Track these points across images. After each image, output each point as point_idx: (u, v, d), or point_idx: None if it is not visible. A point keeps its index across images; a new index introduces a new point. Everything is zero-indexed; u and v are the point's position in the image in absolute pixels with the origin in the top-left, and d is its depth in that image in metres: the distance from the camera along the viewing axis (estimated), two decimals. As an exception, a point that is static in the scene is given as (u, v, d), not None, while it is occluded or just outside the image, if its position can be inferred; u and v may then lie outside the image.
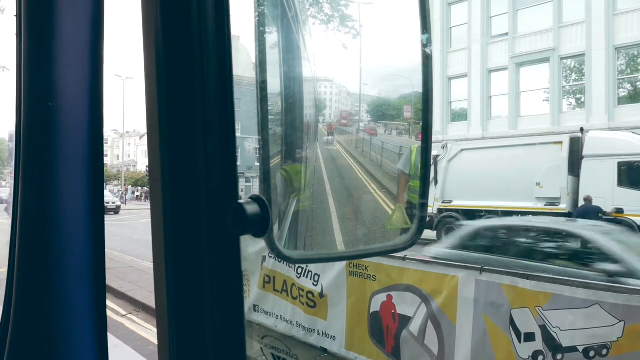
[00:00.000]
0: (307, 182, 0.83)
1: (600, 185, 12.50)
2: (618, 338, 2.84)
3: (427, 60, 0.59)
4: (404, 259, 4.26)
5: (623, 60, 21.26)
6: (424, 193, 0.54)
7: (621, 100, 20.94)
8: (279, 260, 4.75)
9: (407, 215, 0.60)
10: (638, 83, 20.64)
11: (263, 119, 0.61)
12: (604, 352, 2.92)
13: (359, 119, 1.23)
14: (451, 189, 15.34)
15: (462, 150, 15.55)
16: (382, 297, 4.40)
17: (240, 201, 0.53)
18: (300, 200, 0.72)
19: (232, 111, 0.58)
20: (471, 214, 14.93)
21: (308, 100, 0.97)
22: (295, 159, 0.80)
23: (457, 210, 15.21)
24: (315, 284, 5.18)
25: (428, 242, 16.08)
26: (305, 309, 5.26)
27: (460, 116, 25.98)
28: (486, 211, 14.53)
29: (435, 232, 15.88)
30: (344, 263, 4.81)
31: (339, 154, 0.95)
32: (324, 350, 5.03)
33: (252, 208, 0.53)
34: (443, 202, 15.52)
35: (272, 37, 0.99)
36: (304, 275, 5.34)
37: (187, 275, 0.57)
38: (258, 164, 0.65)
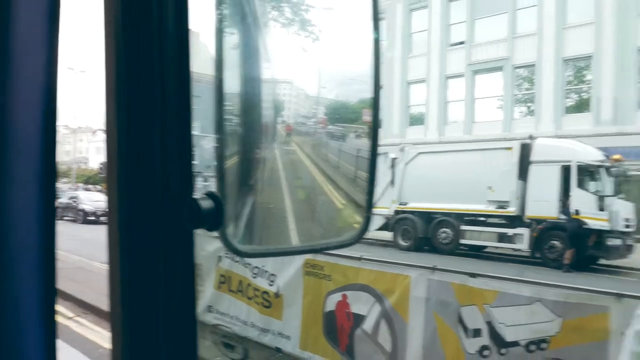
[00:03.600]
0: (264, 180, 0.85)
1: (545, 189, 13.14)
2: (556, 332, 3.02)
3: (376, 66, 0.63)
4: (359, 259, 4.35)
5: (571, 72, 22.40)
6: (371, 193, 0.58)
7: (568, 110, 22.05)
8: (231, 253, 4.73)
9: (356, 213, 0.64)
10: (583, 94, 21.77)
11: (220, 117, 0.63)
12: (544, 345, 3.09)
13: (318, 121, 1.26)
14: (408, 191, 15.68)
15: (419, 153, 15.93)
16: (337, 297, 4.47)
17: (195, 196, 0.55)
18: (255, 197, 0.74)
19: (190, 108, 0.59)
20: (426, 216, 15.34)
21: (267, 101, 1.00)
22: (252, 158, 0.82)
23: (412, 212, 15.57)
24: (271, 284, 5.19)
25: (385, 243, 16.41)
26: (260, 309, 5.25)
27: (418, 120, 26.60)
28: (441, 213, 14.96)
29: (392, 233, 16.20)
30: (300, 263, 4.84)
31: (296, 154, 0.98)
32: (278, 350, 5.04)
33: (206, 203, 0.55)
34: (400, 204, 15.85)
35: (232, 37, 1.01)
36: (260, 276, 5.33)
37: (141, 268, 0.58)
38: (215, 162, 0.67)
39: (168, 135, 0.59)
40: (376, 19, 0.65)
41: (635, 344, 0.78)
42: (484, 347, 3.45)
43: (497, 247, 14.60)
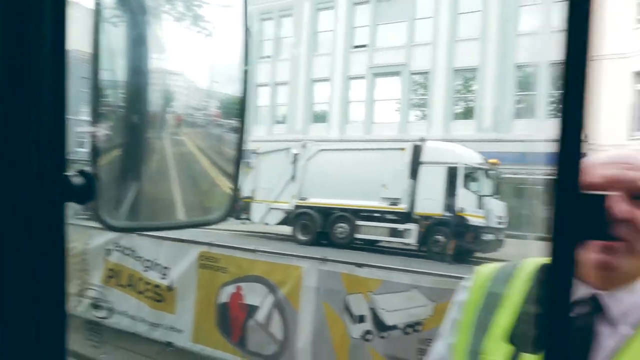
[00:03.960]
0: (145, 162, 0.89)
1: (433, 188, 14.26)
2: (429, 316, 3.36)
3: (246, 57, 0.70)
4: (255, 251, 4.42)
5: (460, 81, 24.41)
6: (236, 176, 0.67)
7: (456, 116, 24.01)
8: (104, 228, 4.55)
9: (223, 194, 0.72)
10: (470, 102, 23.84)
11: (96, 100, 0.66)
12: (418, 328, 3.42)
13: (210, 114, 1.31)
14: (308, 186, 16.03)
15: (320, 150, 16.36)
16: (231, 289, 4.50)
17: (67, 173, 0.59)
18: (135, 178, 0.79)
19: (64, 87, 0.62)
20: (325, 211, 15.82)
21: (155, 90, 1.03)
22: (135, 143, 0.86)
23: (312, 207, 15.96)
24: (164, 277, 5.06)
25: (285, 238, 16.58)
26: (152, 303, 5.10)
27: (321, 118, 27.22)
28: (338, 209, 15.52)
29: (291, 227, 16.48)
30: (195, 256, 4.79)
31: (183, 143, 1.02)
32: (169, 344, 4.94)
33: (78, 179, 0.59)
34: (300, 199, 16.15)
35: (117, 23, 1.03)
36: (152, 269, 5.17)
37: (8, 245, 0.59)
38: (90, 142, 0.70)
39: (42, 115, 0.61)
40: (245, 13, 0.72)
41: (457, 312, 0.95)
42: (367, 332, 3.71)
43: (389, 242, 15.51)
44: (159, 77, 1.13)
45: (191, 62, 1.23)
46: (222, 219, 0.67)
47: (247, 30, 0.72)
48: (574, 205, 0.30)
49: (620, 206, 0.88)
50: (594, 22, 0.30)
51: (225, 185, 0.77)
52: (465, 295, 1.10)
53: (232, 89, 0.79)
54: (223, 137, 0.86)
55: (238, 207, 18.27)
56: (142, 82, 0.96)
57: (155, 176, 0.79)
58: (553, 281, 0.33)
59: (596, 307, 0.91)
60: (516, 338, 0.89)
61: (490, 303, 1.03)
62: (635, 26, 19.95)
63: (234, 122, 0.73)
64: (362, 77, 25.82)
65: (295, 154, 16.44)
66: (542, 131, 21.15)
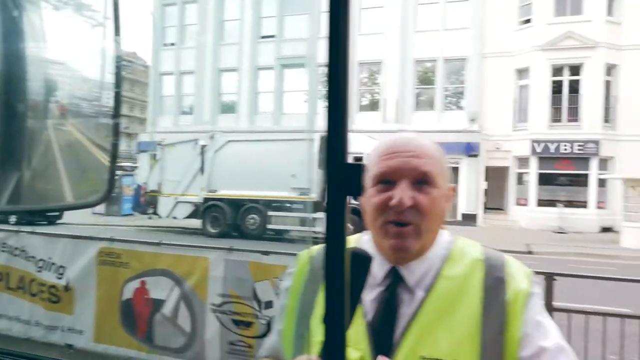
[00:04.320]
0: (27, 149, 0.91)
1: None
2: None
3: (117, 49, 0.76)
4: (158, 244, 4.34)
5: (366, 74, 25.31)
6: (114, 161, 0.73)
7: (363, 108, 24.91)
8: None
9: (102, 179, 0.78)
10: (376, 95, 24.84)
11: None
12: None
13: (100, 104, 1.33)
14: (217, 178, 15.78)
15: (229, 141, 16.14)
16: (135, 284, 4.37)
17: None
18: (17, 164, 0.81)
19: None
20: (235, 203, 15.69)
21: (36, 80, 1.04)
22: (16, 132, 0.88)
23: (222, 199, 15.75)
24: (60, 277, 4.77)
25: (194, 231, 16.19)
26: (47, 305, 4.80)
27: (229, 108, 26.77)
28: (249, 200, 15.49)
29: (201, 220, 16.13)
30: (93, 253, 4.58)
31: (65, 131, 1.04)
32: (70, 346, 4.69)
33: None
34: (209, 191, 15.86)
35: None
36: (46, 269, 4.85)
37: None
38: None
39: None
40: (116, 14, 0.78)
41: (283, 299, 1.01)
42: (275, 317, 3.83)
43: (300, 231, 15.79)
44: (40, 66, 1.13)
45: (75, 52, 1.23)
46: (101, 200, 0.73)
47: (117, 20, 0.77)
48: (340, 177, 0.42)
49: (406, 194, 0.96)
50: (350, 31, 0.42)
51: (104, 169, 0.82)
52: (289, 281, 1.13)
53: (111, 78, 0.84)
54: (103, 125, 0.90)
55: (143, 202, 17.50)
56: (20, 70, 0.97)
57: (36, 163, 0.82)
58: (327, 255, 0.45)
59: (397, 278, 1.02)
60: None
61: (311, 286, 1.06)
62: (517, 27, 22.02)
63: (111, 111, 0.79)
64: (270, 68, 25.77)
65: (203, 146, 16.08)
66: (440, 122, 22.73)
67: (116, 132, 0.72)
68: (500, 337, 0.94)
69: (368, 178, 1.03)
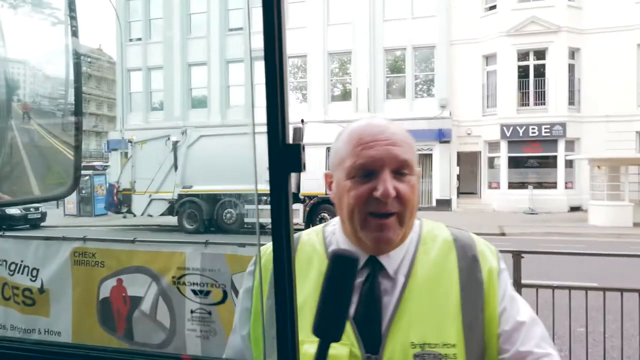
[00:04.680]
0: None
1: (316, 168, 14.82)
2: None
3: (75, 42, 0.79)
4: (133, 241, 4.32)
5: (337, 65, 25.34)
6: (78, 155, 0.77)
7: (335, 98, 24.97)
8: None
9: (67, 172, 0.81)
10: (347, 85, 24.92)
11: None
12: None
13: (66, 102, 1.34)
14: (191, 174, 15.64)
15: (201, 136, 15.99)
16: (111, 282, 4.35)
17: None
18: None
19: None
20: (211, 198, 15.60)
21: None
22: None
23: (197, 195, 15.63)
24: (34, 279, 4.70)
25: (172, 228, 16.02)
26: (22, 308, 4.72)
27: (201, 103, 26.45)
28: (224, 195, 15.41)
29: (177, 217, 15.98)
30: (67, 254, 4.53)
31: (30, 129, 1.06)
32: (47, 348, 4.64)
33: None
34: (183, 187, 15.71)
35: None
36: (18, 272, 4.77)
37: None
38: None
39: None
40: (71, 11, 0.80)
41: (246, 301, 0.94)
42: (254, 307, 3.88)
43: (277, 223, 15.81)
44: (1, 66, 1.14)
45: (37, 50, 1.24)
46: (68, 192, 0.77)
47: (73, 18, 0.79)
48: (282, 156, 0.47)
49: (389, 184, 0.94)
50: (282, 24, 0.47)
51: (69, 163, 0.85)
52: (250, 282, 1.09)
53: (70, 74, 0.86)
54: (67, 121, 0.93)
55: (117, 201, 17.21)
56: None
57: (1, 161, 0.85)
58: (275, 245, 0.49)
59: (376, 267, 1.00)
60: (321, 329, 0.73)
61: None
62: (483, 14, 22.38)
63: (74, 107, 0.82)
64: (240, 61, 25.52)
65: (175, 142, 15.88)
66: (412, 110, 22.99)
67: (78, 126, 0.75)
68: (480, 314, 0.95)
69: (341, 169, 0.99)
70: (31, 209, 17.19)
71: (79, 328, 4.54)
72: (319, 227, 1.13)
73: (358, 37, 23.76)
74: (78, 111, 0.76)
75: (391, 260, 1.00)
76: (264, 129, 0.54)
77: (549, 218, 18.14)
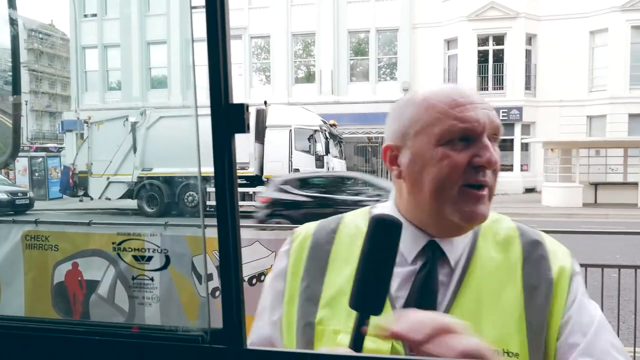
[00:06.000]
0: None
1: (280, 150, 14.76)
2: (271, 265, 3.64)
3: (13, 25, 0.75)
4: (89, 224, 4.19)
5: (300, 46, 25.08)
6: (17, 124, 0.74)
7: (299, 80, 24.78)
8: None
9: (5, 141, 0.78)
10: (311, 67, 24.74)
11: None
12: (262, 278, 3.69)
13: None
14: (151, 156, 15.26)
15: (161, 117, 15.58)
16: (67, 266, 4.22)
17: None
18: None
19: None
20: (172, 181, 15.28)
21: None
22: None
23: (157, 178, 15.28)
24: (-17, 264, 4.51)
25: (132, 212, 15.64)
26: (-30, 294, 4.53)
27: (160, 83, 25.70)
28: (186, 177, 15.13)
29: (137, 200, 15.60)
30: (18, 237, 4.35)
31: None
32: (-1, 335, 4.48)
33: None
34: (143, 170, 15.32)
35: None
36: (-34, 257, 4.56)
37: None
38: None
39: None
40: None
41: (279, 282, 0.95)
42: (216, 289, 3.86)
43: (241, 205, 15.68)
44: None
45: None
46: (9, 160, 0.74)
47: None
48: (225, 117, 0.46)
49: (492, 151, 0.83)
50: (226, 5, 0.45)
51: (8, 132, 0.81)
52: (284, 262, 0.96)
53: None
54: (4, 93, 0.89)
55: (72, 184, 16.63)
56: None
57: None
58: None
59: (436, 253, 0.88)
60: (359, 300, 0.68)
61: (315, 264, 0.92)
62: (445, -2, 22.62)
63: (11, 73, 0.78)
64: (203, 40, 24.76)
65: (134, 123, 15.41)
66: (375, 93, 23.13)
67: (16, 91, 0.72)
68: (545, 318, 0.83)
69: (425, 136, 0.85)
70: (19, 194, 16.47)
71: (33, 313, 4.40)
72: (366, 208, 1.00)
73: (322, 18, 23.56)
74: (16, 80, 0.72)
75: (454, 248, 0.88)
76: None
77: (505, 199, 18.79)
